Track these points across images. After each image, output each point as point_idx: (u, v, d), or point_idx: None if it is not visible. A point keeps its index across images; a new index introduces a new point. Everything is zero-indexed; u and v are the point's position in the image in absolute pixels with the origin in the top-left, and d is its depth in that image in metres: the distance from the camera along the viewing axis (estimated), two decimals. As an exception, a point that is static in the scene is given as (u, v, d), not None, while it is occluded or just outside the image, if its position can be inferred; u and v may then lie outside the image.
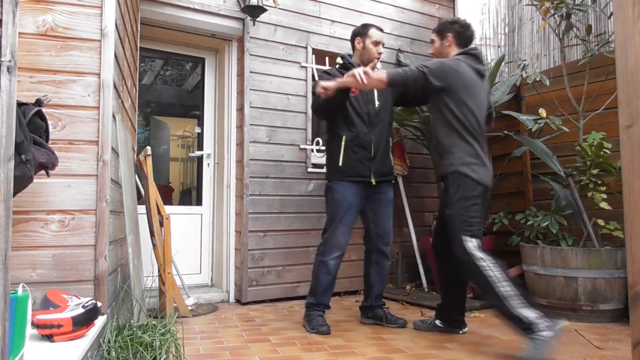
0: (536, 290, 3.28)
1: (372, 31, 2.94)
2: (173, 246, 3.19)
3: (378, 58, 2.95)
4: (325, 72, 3.01)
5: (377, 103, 2.92)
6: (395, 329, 2.88)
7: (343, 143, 2.85)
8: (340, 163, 2.85)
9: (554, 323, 2.24)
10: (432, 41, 2.82)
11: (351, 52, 3.06)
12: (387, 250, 3.00)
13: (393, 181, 3.10)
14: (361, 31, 2.98)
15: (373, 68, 2.89)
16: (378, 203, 2.95)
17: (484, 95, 2.69)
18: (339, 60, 3.02)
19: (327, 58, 4.07)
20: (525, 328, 2.25)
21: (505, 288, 2.33)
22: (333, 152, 2.91)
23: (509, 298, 2.30)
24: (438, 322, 2.84)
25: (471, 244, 2.48)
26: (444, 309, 2.83)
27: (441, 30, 2.76)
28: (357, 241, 4.12)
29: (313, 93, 2.95)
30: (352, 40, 3.02)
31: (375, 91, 2.92)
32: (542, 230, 3.37)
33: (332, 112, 2.90)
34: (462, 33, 2.73)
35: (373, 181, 2.86)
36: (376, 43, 2.93)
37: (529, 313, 2.25)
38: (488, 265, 2.42)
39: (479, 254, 2.45)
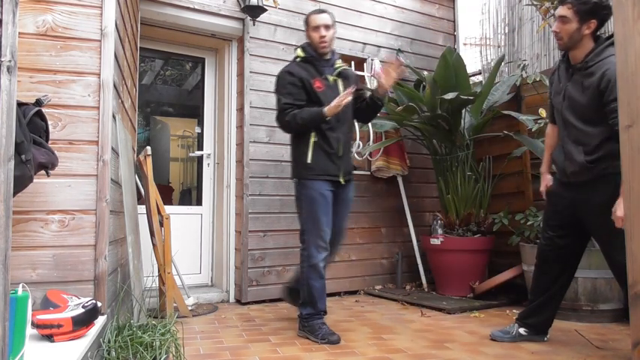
0: (536, 290, 3.27)
1: (309, 18, 2.86)
2: (173, 246, 3.19)
3: (322, 43, 2.79)
4: (288, 72, 2.79)
5: None
6: (394, 330, 2.87)
7: (312, 141, 2.71)
8: (309, 161, 2.70)
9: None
10: (564, 19, 2.27)
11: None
12: (337, 251, 2.97)
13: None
14: (304, 21, 2.90)
15: (323, 54, 2.81)
16: (341, 203, 2.83)
17: None
18: (299, 52, 2.86)
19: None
20: None
21: None
22: (300, 150, 2.75)
23: None
24: (522, 330, 2.64)
25: None
26: (535, 315, 2.63)
27: (586, 12, 2.22)
28: (358, 240, 4.14)
29: (284, 111, 2.71)
30: None
31: (341, 85, 2.82)
32: (542, 230, 3.36)
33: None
34: (603, 23, 2.28)
35: (342, 180, 2.77)
36: (315, 29, 2.80)
37: None
38: None
39: None
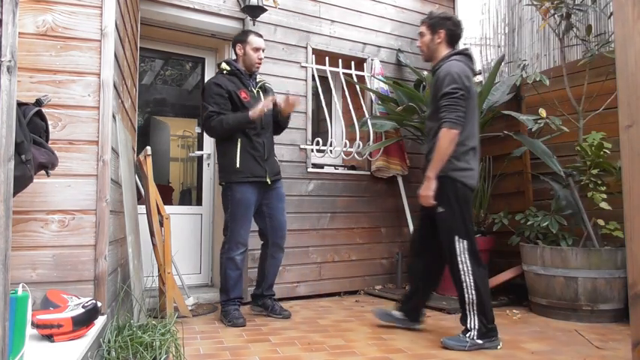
0: (536, 290, 3.28)
1: (251, 38, 3.11)
2: (173, 246, 3.19)
3: (258, 64, 3.12)
4: (215, 83, 3.04)
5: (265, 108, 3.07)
6: (394, 329, 2.87)
7: (239, 146, 2.99)
8: (237, 165, 2.97)
9: (495, 340, 2.52)
10: (422, 34, 2.76)
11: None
12: (282, 244, 3.19)
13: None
14: (241, 38, 3.14)
15: (252, 73, 3.12)
16: (272, 198, 3.13)
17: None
18: (224, 66, 3.12)
19: (327, 58, 4.07)
20: (465, 328, 2.53)
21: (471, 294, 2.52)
22: (229, 155, 3.02)
23: (470, 302, 2.53)
24: (400, 314, 2.89)
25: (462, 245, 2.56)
26: (410, 302, 2.87)
27: (434, 24, 2.70)
28: (358, 240, 4.14)
29: (210, 118, 2.96)
30: (234, 47, 3.17)
31: (262, 97, 3.11)
32: (542, 230, 3.36)
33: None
34: (454, 31, 2.71)
35: (268, 180, 3.04)
36: (256, 50, 3.10)
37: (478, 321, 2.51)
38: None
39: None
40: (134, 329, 1.97)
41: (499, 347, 2.50)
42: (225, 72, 3.10)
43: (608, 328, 2.91)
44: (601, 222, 3.20)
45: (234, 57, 3.18)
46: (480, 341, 2.48)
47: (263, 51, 3.14)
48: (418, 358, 2.34)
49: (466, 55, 2.68)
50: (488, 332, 2.50)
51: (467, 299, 2.52)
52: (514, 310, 3.35)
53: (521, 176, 3.97)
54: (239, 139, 3.00)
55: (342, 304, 3.65)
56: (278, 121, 3.20)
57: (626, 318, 2.79)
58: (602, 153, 3.14)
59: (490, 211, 3.93)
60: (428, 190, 2.53)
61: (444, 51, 2.69)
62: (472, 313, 2.52)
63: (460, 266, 2.52)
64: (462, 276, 2.52)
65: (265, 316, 3.20)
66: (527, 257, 3.35)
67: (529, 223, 3.42)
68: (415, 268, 2.85)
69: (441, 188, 2.53)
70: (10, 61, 1.05)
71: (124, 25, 2.56)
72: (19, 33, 1.81)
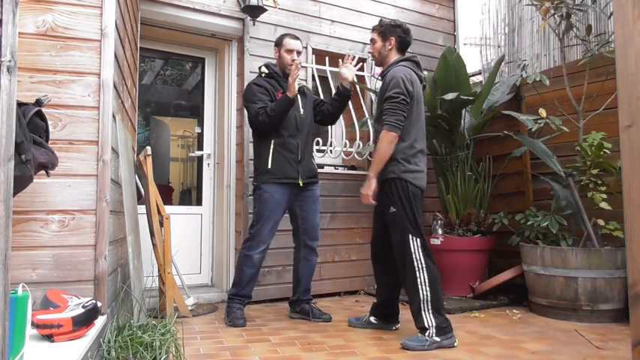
0: (536, 290, 3.28)
1: (286, 40, 3.14)
2: (173, 246, 3.19)
3: (292, 65, 3.06)
4: (255, 84, 3.09)
5: (301, 110, 3.12)
6: (393, 330, 2.87)
7: (272, 147, 3.01)
8: (269, 166, 2.99)
9: (451, 336, 2.54)
10: (373, 40, 2.84)
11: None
12: (315, 245, 3.17)
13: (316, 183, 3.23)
14: (277, 41, 3.19)
15: (290, 74, 2.98)
16: (306, 200, 3.12)
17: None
18: (263, 69, 3.17)
19: (327, 58, 4.07)
20: (422, 327, 2.53)
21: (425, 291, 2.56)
22: (261, 155, 3.04)
23: (424, 300, 2.55)
24: (372, 318, 2.93)
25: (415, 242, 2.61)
26: (380, 306, 2.92)
27: (385, 32, 2.79)
28: (358, 240, 4.14)
29: (257, 115, 2.96)
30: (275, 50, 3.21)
31: (299, 99, 3.09)
32: (542, 230, 3.36)
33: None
34: (404, 39, 2.79)
35: (301, 182, 3.03)
36: (289, 51, 3.11)
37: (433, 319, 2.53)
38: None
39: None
40: (134, 329, 1.97)
41: (455, 344, 2.53)
42: (263, 75, 3.15)
43: (608, 328, 2.91)
44: (601, 222, 3.20)
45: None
46: (438, 339, 2.50)
47: (299, 53, 3.14)
48: (418, 358, 2.34)
49: (414, 61, 2.78)
50: (444, 329, 2.53)
51: (421, 297, 2.54)
52: (514, 310, 3.35)
53: (521, 176, 3.96)
54: (272, 141, 3.01)
55: (342, 304, 3.65)
56: (340, 95, 3.14)
57: (626, 318, 2.79)
58: (602, 153, 3.13)
59: (490, 211, 3.93)
60: (368, 189, 2.64)
61: (393, 57, 2.79)
62: (427, 311, 2.53)
63: (415, 263, 2.56)
64: (417, 272, 2.55)
65: (265, 316, 3.20)
66: (527, 257, 3.35)
67: (529, 223, 3.42)
68: (379, 274, 2.94)
69: (392, 189, 2.63)
70: (10, 61, 1.05)
71: (124, 25, 2.56)
72: (19, 33, 1.81)
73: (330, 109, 3.24)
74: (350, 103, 4.12)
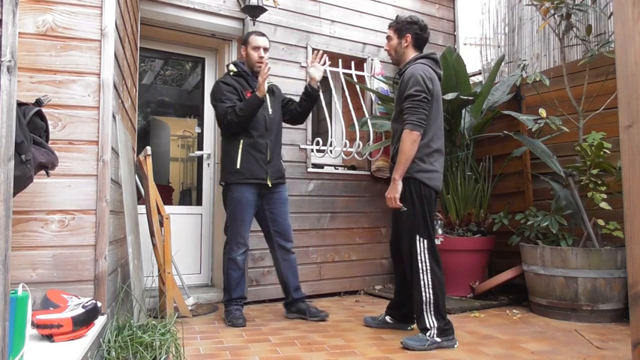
0: (536, 290, 3.28)
1: (252, 38, 3.11)
2: (173, 246, 3.19)
3: (259, 63, 3.04)
4: (223, 82, 3.05)
5: (270, 110, 3.09)
6: (394, 330, 2.87)
7: (241, 147, 2.98)
8: (238, 166, 2.96)
9: (452, 338, 2.54)
10: (389, 38, 2.78)
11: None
12: (289, 246, 3.15)
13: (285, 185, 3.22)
14: (244, 40, 3.16)
15: (260, 73, 2.93)
16: (275, 202, 3.10)
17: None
18: (232, 67, 3.12)
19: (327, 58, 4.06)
20: (424, 328, 2.53)
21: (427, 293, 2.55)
22: (230, 155, 3.01)
23: (426, 302, 2.54)
24: (388, 318, 2.92)
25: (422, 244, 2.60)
26: (397, 305, 2.90)
27: (401, 29, 2.73)
28: (357, 240, 4.14)
29: (226, 114, 2.93)
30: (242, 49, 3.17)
31: (268, 98, 3.06)
32: (542, 230, 3.36)
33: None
34: (421, 35, 2.73)
35: (269, 183, 3.02)
36: (255, 49, 3.07)
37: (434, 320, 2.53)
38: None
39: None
40: (134, 329, 1.97)
41: (456, 346, 2.52)
42: (232, 73, 3.10)
43: (608, 328, 2.91)
44: (601, 222, 3.20)
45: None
46: (439, 339, 2.49)
47: (266, 50, 3.10)
48: (418, 358, 2.34)
49: (432, 59, 2.71)
50: (446, 331, 2.53)
51: (424, 298, 2.53)
52: (514, 310, 3.35)
53: (521, 176, 3.97)
54: (241, 140, 2.98)
55: (342, 304, 3.65)
56: (308, 95, 3.12)
57: (626, 318, 2.79)
58: (602, 153, 3.13)
59: (490, 211, 3.93)
60: (394, 192, 2.58)
61: (410, 54, 2.73)
62: (429, 312, 2.53)
63: (420, 265, 2.55)
64: (421, 274, 2.54)
65: (265, 316, 3.20)
66: (527, 257, 3.35)
67: (529, 223, 3.42)
68: (397, 271, 2.88)
69: (404, 188, 2.59)
70: (10, 61, 1.05)
71: (124, 25, 2.56)
72: (19, 33, 1.81)
73: (298, 108, 3.20)
74: (350, 102, 4.14)
